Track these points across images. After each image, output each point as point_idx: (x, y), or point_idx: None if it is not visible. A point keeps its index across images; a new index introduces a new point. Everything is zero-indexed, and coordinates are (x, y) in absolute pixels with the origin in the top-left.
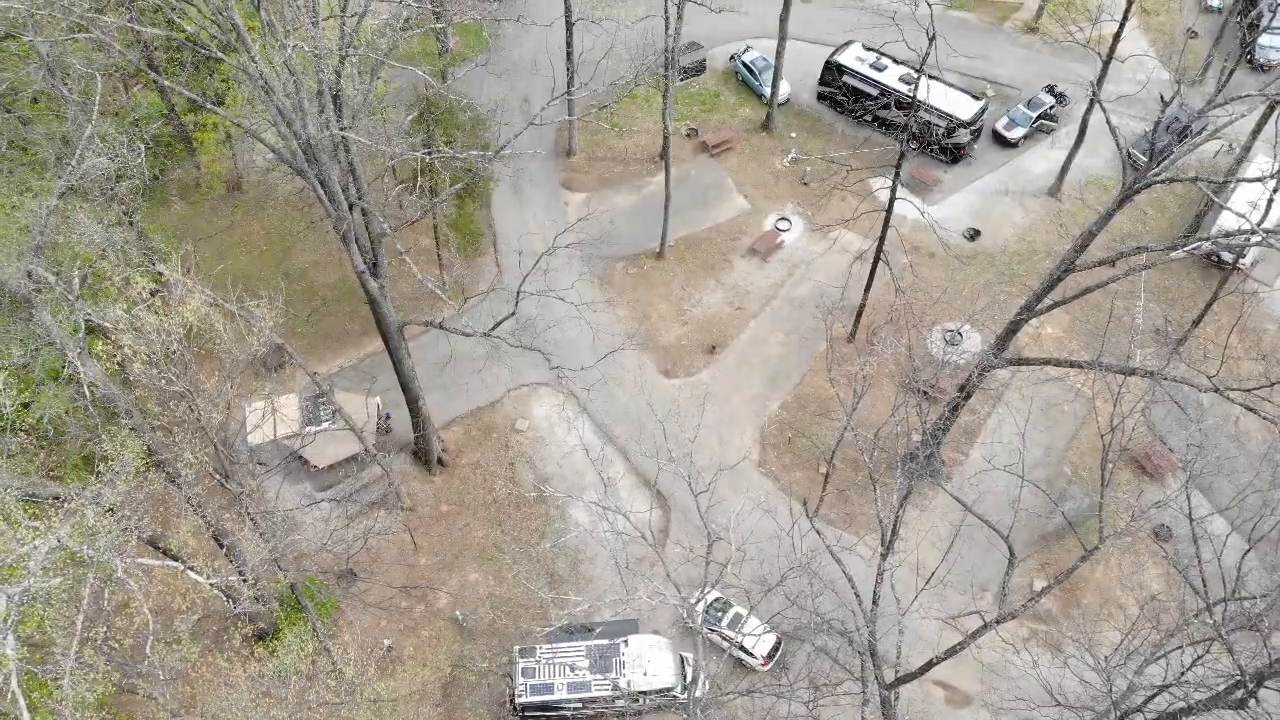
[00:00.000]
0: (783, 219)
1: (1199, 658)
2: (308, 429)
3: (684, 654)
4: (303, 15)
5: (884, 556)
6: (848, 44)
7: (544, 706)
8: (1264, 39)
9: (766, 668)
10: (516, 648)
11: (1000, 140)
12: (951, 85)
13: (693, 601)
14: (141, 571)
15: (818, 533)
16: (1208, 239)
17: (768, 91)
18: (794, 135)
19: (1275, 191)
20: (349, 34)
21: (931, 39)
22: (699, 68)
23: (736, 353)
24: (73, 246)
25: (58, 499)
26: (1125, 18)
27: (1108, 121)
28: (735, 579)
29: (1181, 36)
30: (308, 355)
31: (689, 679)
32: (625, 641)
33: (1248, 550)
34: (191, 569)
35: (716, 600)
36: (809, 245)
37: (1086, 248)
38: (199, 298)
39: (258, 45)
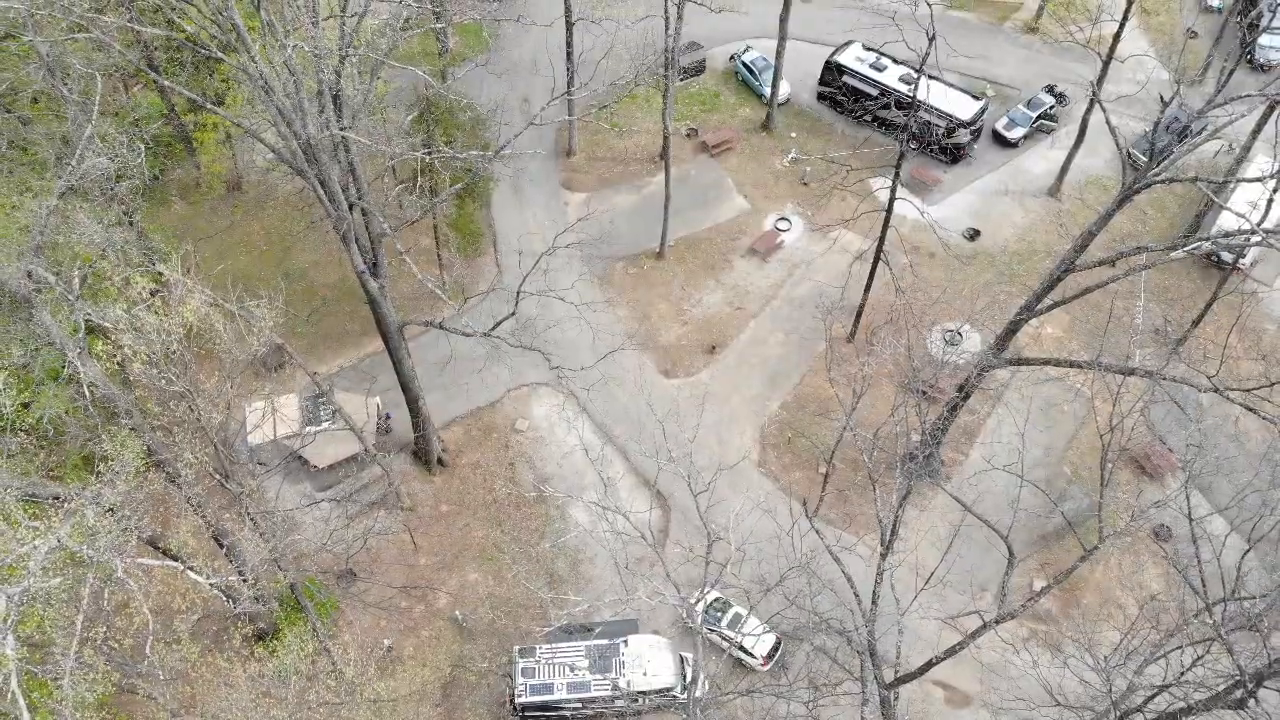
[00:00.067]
0: (783, 219)
1: (1199, 658)
2: (308, 429)
3: (684, 654)
4: (303, 15)
5: (883, 556)
6: (848, 44)
7: (544, 706)
8: (1264, 39)
9: (766, 668)
10: (516, 648)
11: (1000, 140)
12: (951, 85)
13: (692, 601)
14: (141, 571)
15: (817, 533)
16: (1208, 239)
17: (768, 91)
18: (794, 135)
19: (1275, 191)
20: (349, 34)
21: (931, 39)
22: (699, 68)
23: (736, 353)
24: (73, 246)
25: (58, 499)
26: (1125, 18)
27: (1107, 121)
28: (735, 579)
29: (1181, 36)
30: (308, 355)
31: (689, 679)
32: (625, 641)
33: (1247, 550)
34: (191, 569)
35: (716, 600)
36: (809, 245)
37: (1086, 248)
38: (199, 298)
39: (258, 45)
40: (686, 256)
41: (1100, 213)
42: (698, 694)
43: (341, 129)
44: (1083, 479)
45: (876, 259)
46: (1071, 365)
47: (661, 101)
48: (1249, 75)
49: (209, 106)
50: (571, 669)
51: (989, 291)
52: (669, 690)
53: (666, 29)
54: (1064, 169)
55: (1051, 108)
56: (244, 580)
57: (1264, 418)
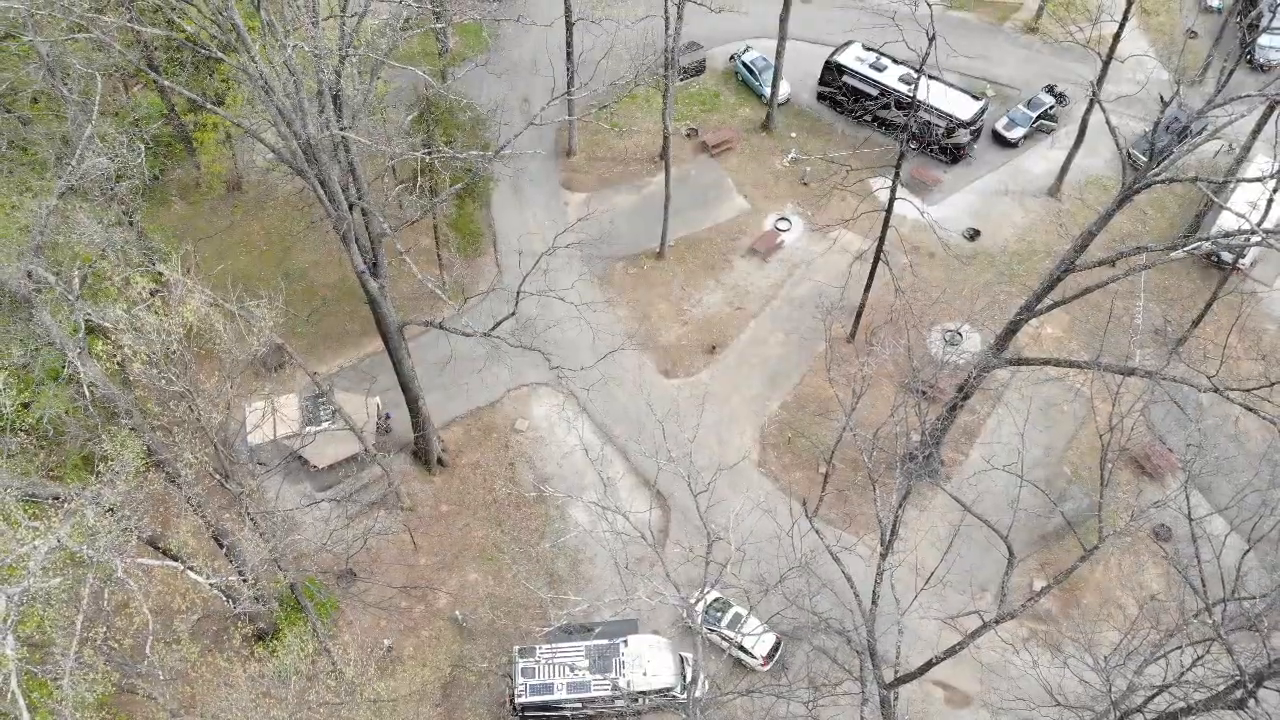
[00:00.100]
0: (783, 219)
1: (1199, 658)
2: (308, 429)
3: (684, 654)
4: (303, 15)
5: (883, 556)
6: (848, 44)
7: (544, 706)
8: (1264, 39)
9: (766, 668)
10: (516, 648)
11: (1000, 140)
12: (951, 85)
13: (692, 601)
14: (141, 571)
15: (817, 533)
16: (1207, 239)
17: (768, 91)
18: (794, 135)
19: (1275, 191)
20: (349, 34)
21: (931, 39)
22: (699, 68)
23: (736, 353)
24: (73, 246)
25: (58, 499)
26: (1125, 18)
27: (1107, 121)
28: (735, 579)
29: (1181, 36)
30: (308, 355)
31: (688, 679)
32: (625, 641)
33: (1247, 550)
34: (191, 569)
35: (716, 600)
36: (809, 245)
37: (1086, 248)
38: (199, 298)
39: (258, 45)
40: (686, 256)
41: (1100, 213)
42: (697, 694)
43: (341, 129)
44: (1083, 479)
45: (876, 259)
46: (1071, 365)
47: (661, 101)
48: (1249, 75)
49: (209, 106)
50: (571, 669)
51: (989, 291)
52: (669, 690)
53: (666, 29)
54: (1064, 169)
55: (1051, 108)
56: (244, 580)
57: (1264, 418)
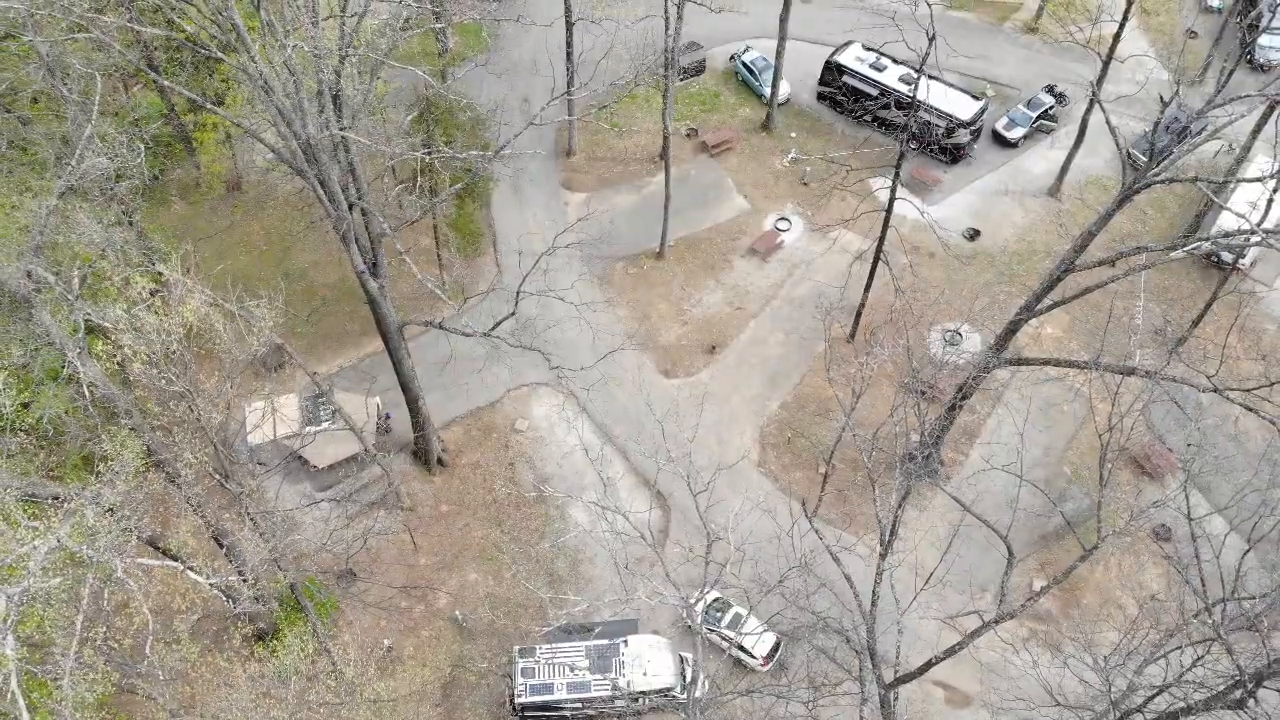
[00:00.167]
0: (782, 219)
1: (1199, 658)
2: (307, 429)
3: (683, 654)
4: (302, 15)
5: (883, 556)
6: (848, 44)
7: (544, 706)
8: (1264, 39)
9: (766, 668)
10: (516, 648)
11: (1000, 140)
12: (951, 85)
13: (692, 602)
14: (141, 571)
15: (817, 533)
16: (1207, 239)
17: (768, 91)
18: (794, 135)
19: (1275, 191)
20: (349, 34)
21: (931, 39)
22: (699, 68)
23: (736, 353)
24: (72, 246)
25: (57, 499)
26: (1125, 18)
27: (1107, 121)
28: (735, 579)
29: (1181, 37)
30: (308, 355)
31: (688, 679)
32: (625, 641)
33: (1247, 550)
34: (191, 569)
35: (716, 600)
36: (809, 245)
37: (1086, 248)
38: (199, 298)
39: (258, 45)
40: (686, 256)
41: (1100, 213)
42: (697, 694)
43: (341, 129)
44: (1083, 479)
45: (876, 259)
46: (1071, 365)
47: (661, 101)
48: (1249, 75)
49: (209, 106)
50: (571, 669)
51: (989, 291)
52: (669, 690)
53: (666, 29)
54: (1064, 169)
55: (1051, 108)
56: (244, 580)
57: (1264, 417)
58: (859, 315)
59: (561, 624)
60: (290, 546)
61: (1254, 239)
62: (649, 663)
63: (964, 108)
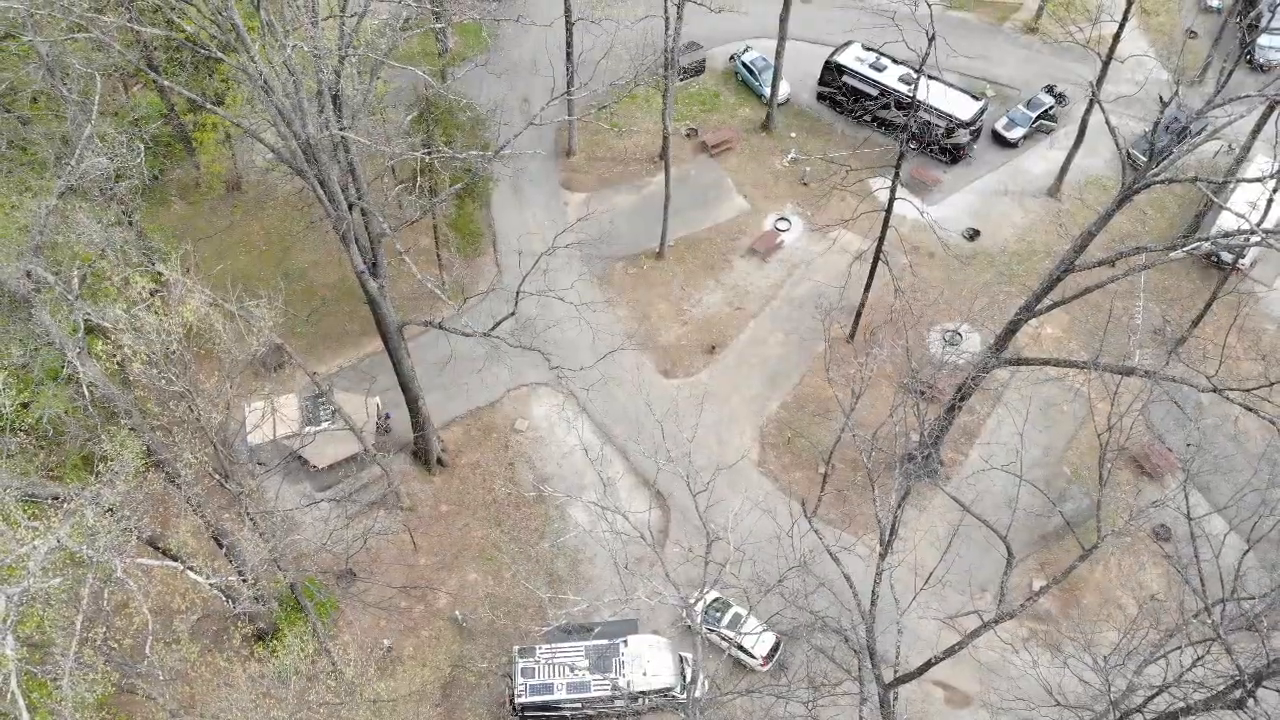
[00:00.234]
0: (782, 219)
1: (1198, 658)
2: (307, 429)
3: (683, 654)
4: (302, 15)
5: (882, 556)
6: (847, 44)
7: (543, 706)
8: (1263, 39)
9: (766, 668)
10: (516, 648)
11: (1000, 140)
12: (951, 85)
13: (692, 602)
14: (141, 571)
15: (816, 533)
16: (1207, 239)
17: (767, 91)
18: (794, 135)
19: (1275, 191)
20: (348, 34)
21: (931, 39)
22: (699, 68)
23: (736, 353)
24: (72, 246)
25: (57, 499)
26: (1125, 18)
27: (1107, 122)
28: (734, 579)
29: (1181, 37)
30: (307, 355)
31: (688, 679)
32: (624, 641)
33: (1247, 550)
34: (191, 569)
35: (716, 600)
36: (808, 245)
37: (1086, 248)
38: (199, 298)
39: (257, 45)
40: (686, 256)
41: (1100, 213)
42: (697, 694)
43: (341, 129)
44: (1082, 479)
45: (876, 259)
46: (1070, 365)
47: (661, 101)
48: (1248, 75)
49: (209, 106)
50: (571, 669)
51: (988, 291)
52: (669, 690)
53: (666, 29)
54: (1063, 169)
55: (1051, 108)
56: (244, 580)
57: (1264, 417)
58: (859, 315)
59: (561, 624)
60: (290, 546)
61: (1254, 239)
62: (649, 663)
63: (964, 108)
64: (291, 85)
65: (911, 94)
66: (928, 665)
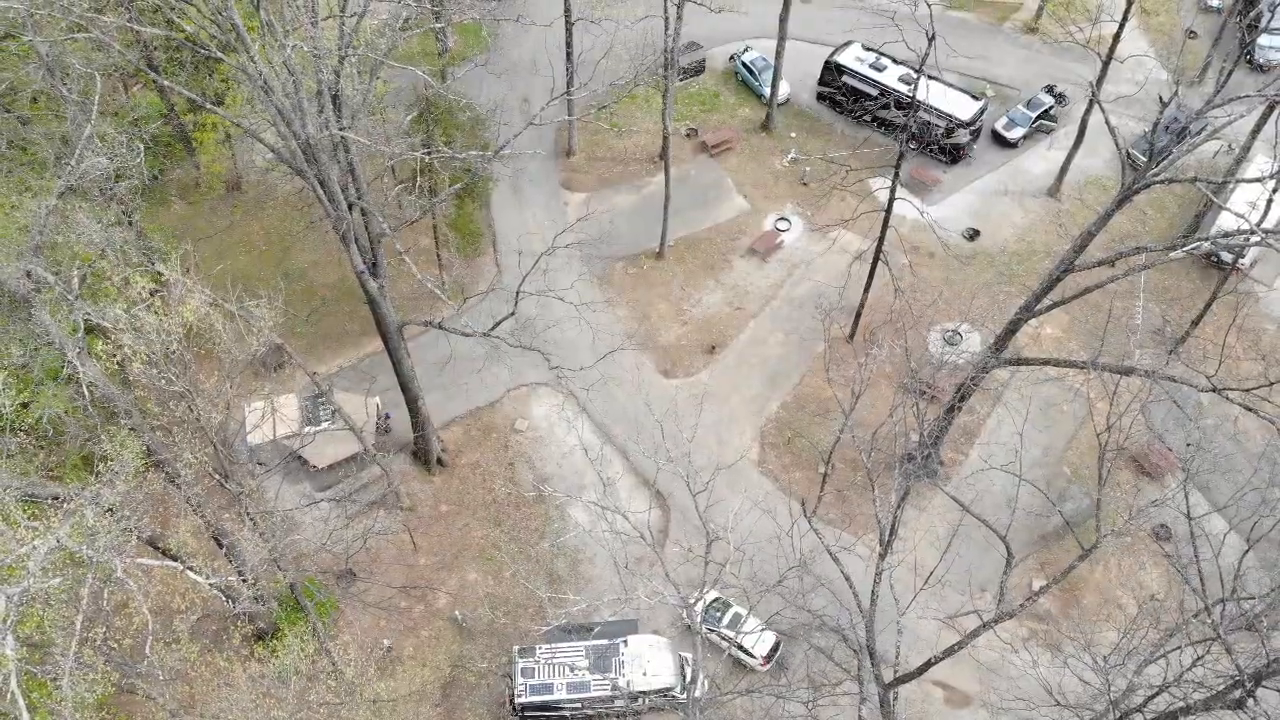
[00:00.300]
0: (782, 219)
1: (1198, 658)
2: (307, 429)
3: (683, 654)
4: (302, 15)
5: (882, 556)
6: (847, 44)
7: (543, 706)
8: (1263, 39)
9: (766, 668)
10: (516, 648)
11: (1000, 140)
12: (951, 85)
13: (692, 601)
14: (141, 571)
15: (816, 533)
16: (1207, 239)
17: (767, 91)
18: (794, 135)
19: (1275, 191)
20: (348, 34)
21: (931, 39)
22: (699, 68)
23: (736, 353)
24: (72, 246)
25: (57, 499)
26: (1125, 18)
27: (1107, 122)
28: (734, 578)
29: (1181, 37)
30: (307, 355)
31: (688, 679)
32: (624, 641)
33: (1247, 550)
34: (191, 569)
35: (716, 600)
36: (808, 245)
37: (1085, 248)
38: (198, 298)
39: (257, 45)
40: (686, 256)
41: (1099, 213)
42: (697, 694)
43: (341, 129)
44: (1082, 478)
45: (876, 259)
46: (1070, 365)
47: (661, 101)
48: (1248, 75)
49: (208, 106)
50: (571, 669)
51: (988, 292)
52: (669, 690)
53: (666, 29)
54: (1063, 169)
55: (1051, 108)
56: (243, 580)
57: (1263, 417)
58: (858, 315)
59: (561, 624)
60: (290, 546)
61: (1253, 239)
62: (649, 663)
63: (964, 108)
64: (291, 85)
65: (911, 94)
66: (927, 665)
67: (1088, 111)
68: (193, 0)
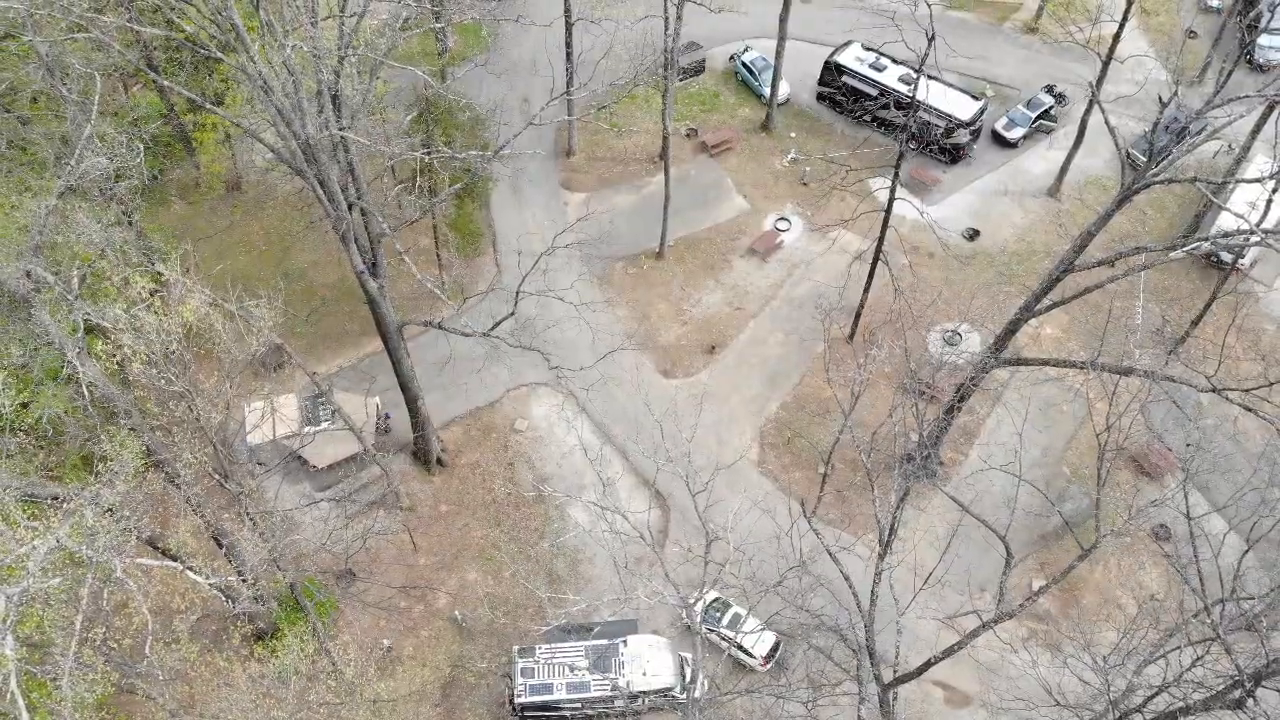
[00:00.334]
0: (782, 219)
1: (1198, 658)
2: (307, 429)
3: (683, 654)
4: (302, 15)
5: (882, 556)
6: (847, 44)
7: (543, 706)
8: (1263, 39)
9: (766, 668)
10: (516, 648)
11: (999, 140)
12: (951, 85)
13: (691, 601)
14: (140, 571)
15: (816, 533)
16: (1206, 239)
17: (767, 91)
18: (793, 135)
19: (1275, 191)
20: (348, 34)
21: (931, 39)
22: (698, 68)
23: (735, 353)
24: (72, 246)
25: (57, 499)
26: (1125, 18)
27: (1106, 122)
28: (734, 579)
29: (1181, 37)
30: (307, 355)
31: (688, 679)
32: (624, 641)
33: (1246, 550)
34: (190, 569)
35: (715, 600)
36: (808, 245)
37: (1085, 248)
38: (198, 297)
39: (257, 45)
40: (686, 256)
41: (1099, 213)
42: (697, 694)
43: (341, 129)
44: (1082, 478)
45: (876, 259)
46: (1070, 365)
47: (661, 101)
48: (1248, 75)
49: (208, 106)
50: (571, 669)
51: (988, 292)
52: (668, 690)
53: (666, 29)
54: (1063, 169)
55: (1051, 108)
56: (243, 580)
57: (1263, 417)
58: (858, 315)
59: (561, 624)
60: (290, 546)
61: (1253, 239)
62: (648, 663)
63: (963, 108)
64: (291, 85)
65: (911, 94)
66: (927, 665)
67: (1087, 111)
68: (192, 0)
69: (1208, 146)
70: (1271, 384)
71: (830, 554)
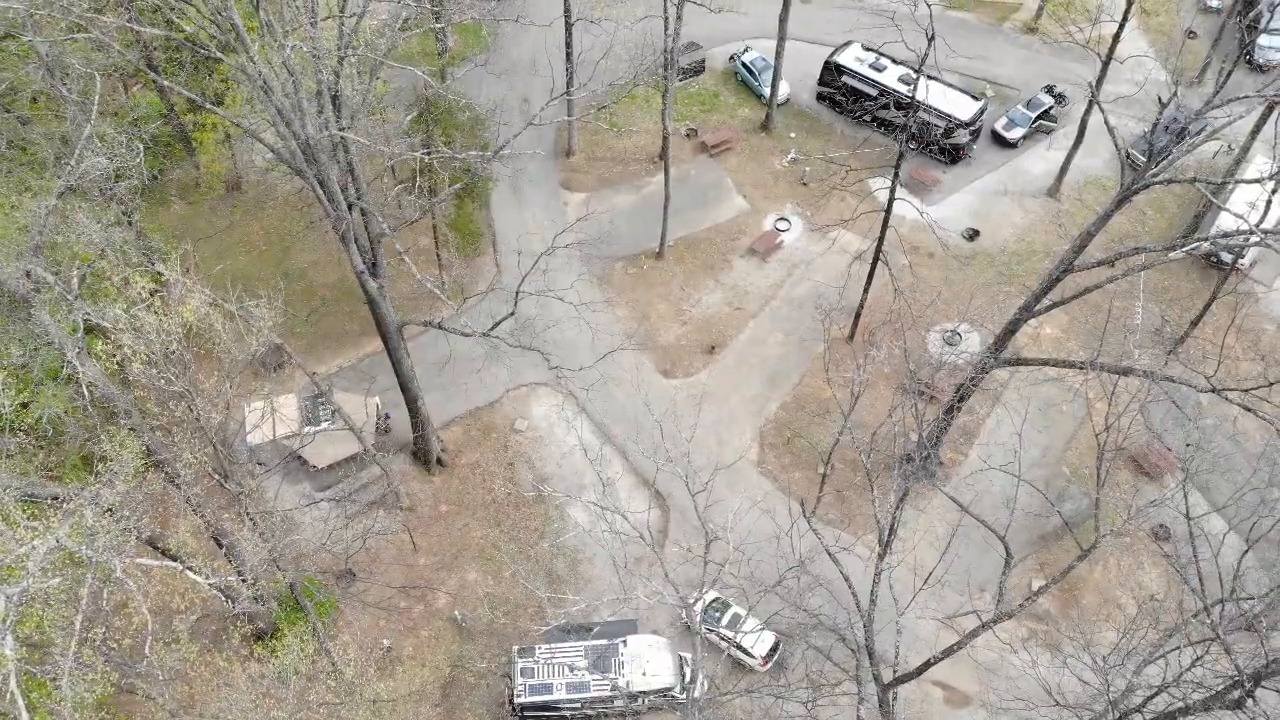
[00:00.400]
0: (782, 219)
1: (1197, 658)
2: (307, 429)
3: (683, 654)
4: (301, 15)
5: (881, 556)
6: (847, 44)
7: (543, 706)
8: (1263, 39)
9: (765, 668)
10: (515, 648)
11: (999, 140)
12: (951, 85)
13: (691, 601)
14: (140, 571)
15: (815, 533)
16: (1206, 239)
17: (767, 91)
18: (793, 135)
19: (1274, 192)
20: (348, 34)
21: (931, 39)
22: (698, 68)
23: (735, 353)
24: (71, 246)
25: (56, 499)
26: (1125, 18)
27: (1106, 122)
28: (734, 579)
29: (1181, 37)
30: (307, 355)
31: (688, 679)
32: (624, 641)
33: (1246, 550)
34: (190, 569)
35: (715, 600)
36: (808, 245)
37: (1085, 248)
38: (198, 298)
39: (256, 45)
40: (686, 256)
41: (1099, 213)
42: (696, 694)
43: (340, 129)
44: (1082, 478)
45: (875, 259)
46: (1069, 365)
47: (661, 101)
48: (1248, 75)
49: (208, 106)
50: (571, 669)
51: (988, 292)
52: (668, 690)
53: (666, 29)
54: (1063, 169)
55: (1051, 108)
56: (243, 580)
57: (1262, 417)
58: (858, 316)
59: (561, 624)
60: (289, 546)
61: (1253, 239)
62: (648, 663)
63: (963, 108)
64: (291, 85)
65: (911, 94)
66: (927, 665)
67: (1087, 112)
68: (192, 0)
69: (1207, 147)
70: (1271, 384)
71: (830, 554)
